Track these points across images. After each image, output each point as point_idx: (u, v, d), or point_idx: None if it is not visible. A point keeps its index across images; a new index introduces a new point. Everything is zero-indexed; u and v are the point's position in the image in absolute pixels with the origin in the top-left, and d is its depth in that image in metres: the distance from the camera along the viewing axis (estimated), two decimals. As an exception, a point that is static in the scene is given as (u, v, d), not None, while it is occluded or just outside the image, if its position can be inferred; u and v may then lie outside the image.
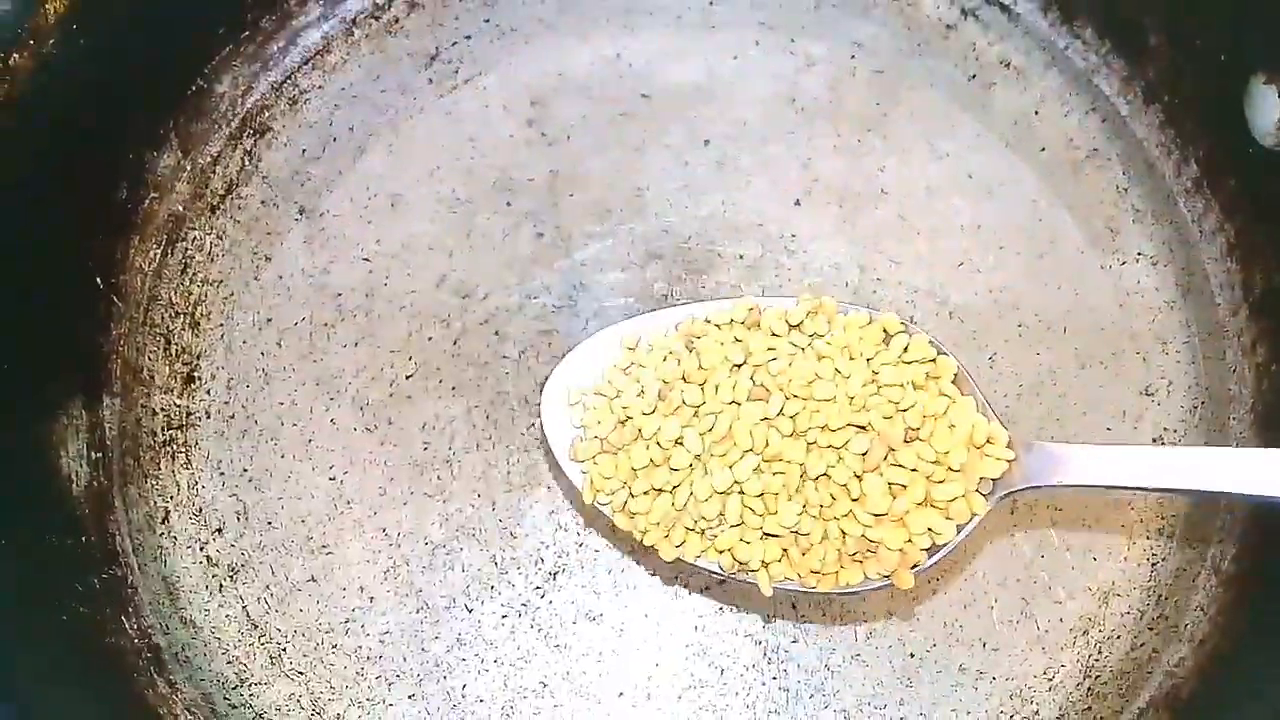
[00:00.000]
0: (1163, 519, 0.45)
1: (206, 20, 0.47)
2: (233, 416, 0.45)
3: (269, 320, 0.46)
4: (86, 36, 0.41)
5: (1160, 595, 0.44)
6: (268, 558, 0.44)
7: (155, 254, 0.47)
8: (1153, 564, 0.45)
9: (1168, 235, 0.48)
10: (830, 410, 0.40)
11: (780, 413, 0.40)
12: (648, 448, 0.41)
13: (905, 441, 0.40)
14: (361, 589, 0.44)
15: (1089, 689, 0.43)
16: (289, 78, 0.49)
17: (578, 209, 0.48)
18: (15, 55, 0.39)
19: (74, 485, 0.42)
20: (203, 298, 0.47)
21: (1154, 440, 0.46)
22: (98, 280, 0.45)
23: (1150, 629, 0.44)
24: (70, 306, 0.44)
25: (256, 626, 0.43)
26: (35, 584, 0.39)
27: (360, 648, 0.43)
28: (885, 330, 0.42)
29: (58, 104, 0.41)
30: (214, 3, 0.47)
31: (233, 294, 0.47)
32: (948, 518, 0.39)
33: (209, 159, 0.48)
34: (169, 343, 0.46)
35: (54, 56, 0.40)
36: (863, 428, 0.40)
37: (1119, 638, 0.44)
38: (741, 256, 0.48)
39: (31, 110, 0.40)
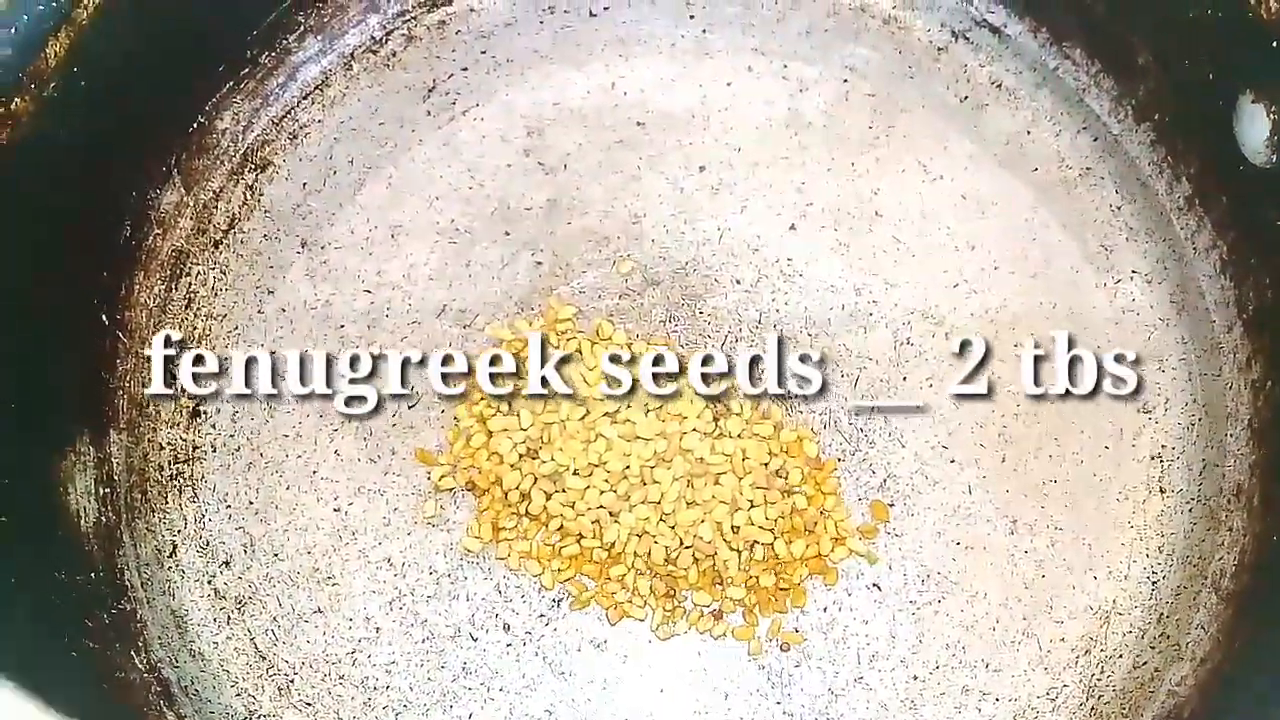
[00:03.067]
0: (1163, 536, 0.45)
1: (206, 58, 0.47)
2: (238, 450, 0.46)
3: (272, 353, 0.47)
4: (87, 78, 0.41)
5: (1161, 614, 0.45)
6: (275, 590, 0.44)
7: (160, 289, 0.47)
8: (1153, 582, 0.45)
9: (1161, 253, 0.49)
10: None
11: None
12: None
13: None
14: (368, 619, 0.44)
15: (1092, 709, 0.44)
16: (289, 113, 0.50)
17: (576, 237, 0.49)
18: (16, 100, 0.40)
19: (82, 521, 0.43)
20: (207, 332, 0.47)
21: (1151, 458, 0.46)
22: (103, 317, 0.45)
23: (1152, 648, 0.44)
24: (76, 344, 0.44)
25: (264, 658, 0.44)
26: (45, 620, 0.39)
27: (367, 678, 0.44)
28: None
29: (60, 146, 0.42)
30: (214, 40, 0.47)
31: (237, 327, 0.47)
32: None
33: (211, 194, 0.49)
34: (174, 377, 0.46)
35: (55, 100, 0.41)
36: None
37: (1121, 657, 0.44)
38: (738, 281, 0.48)
39: (34, 153, 0.40)
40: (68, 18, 0.40)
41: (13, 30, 0.39)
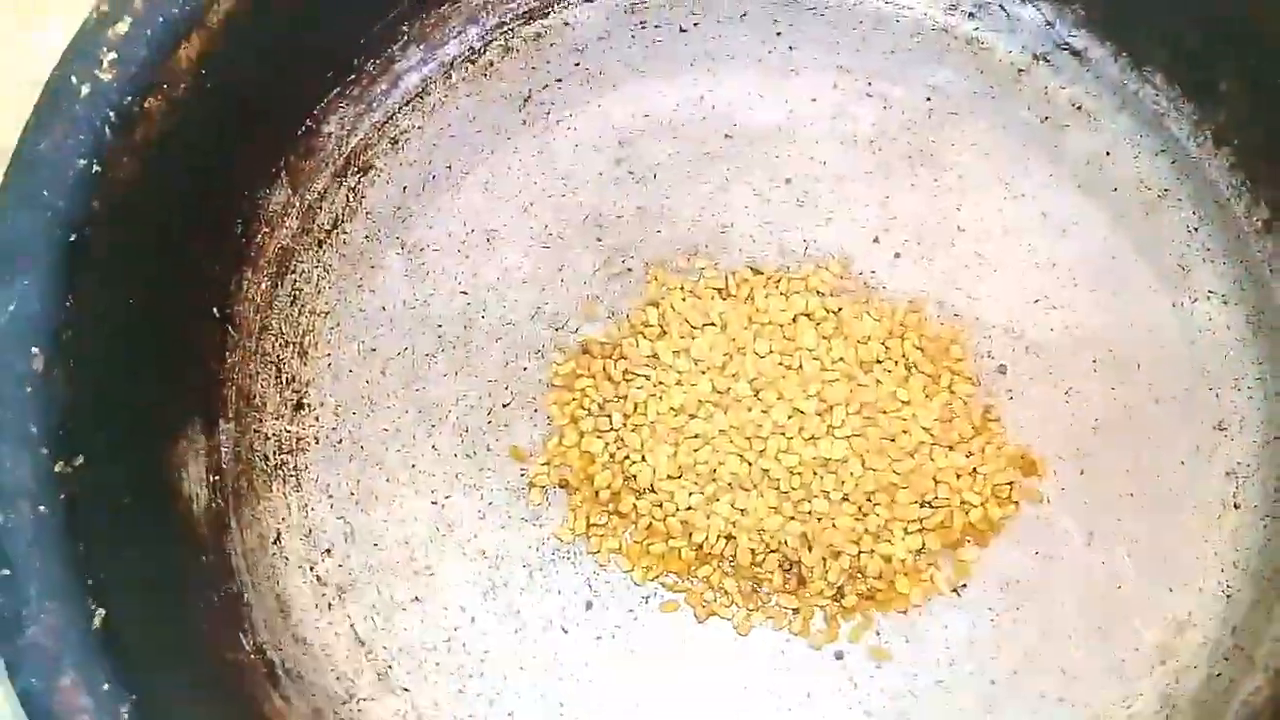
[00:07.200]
0: (1237, 550, 0.46)
1: (317, 64, 0.49)
2: (340, 442, 0.47)
3: (373, 350, 0.49)
4: (213, 81, 0.43)
5: (1235, 626, 0.46)
6: (374, 578, 0.46)
7: (266, 286, 0.49)
8: (1228, 596, 0.46)
9: (1238, 274, 0.50)
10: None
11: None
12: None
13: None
14: (463, 609, 0.46)
15: (1167, 717, 0.45)
16: (391, 118, 0.52)
17: (665, 245, 0.50)
18: (150, 99, 0.41)
19: (195, 506, 0.44)
20: (310, 328, 0.49)
21: (1227, 474, 0.47)
22: (214, 311, 0.47)
23: (1226, 659, 0.45)
24: (189, 336, 0.46)
25: (364, 644, 0.45)
26: (164, 599, 0.41)
27: (462, 666, 0.45)
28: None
29: (184, 145, 0.43)
30: (324, 48, 0.49)
31: (339, 324, 0.49)
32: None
33: (316, 195, 0.50)
34: (279, 371, 0.48)
35: (183, 101, 0.42)
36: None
37: (1195, 667, 0.45)
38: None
39: (161, 151, 0.42)
40: (201, 21, 0.42)
41: (149, 31, 0.41)
